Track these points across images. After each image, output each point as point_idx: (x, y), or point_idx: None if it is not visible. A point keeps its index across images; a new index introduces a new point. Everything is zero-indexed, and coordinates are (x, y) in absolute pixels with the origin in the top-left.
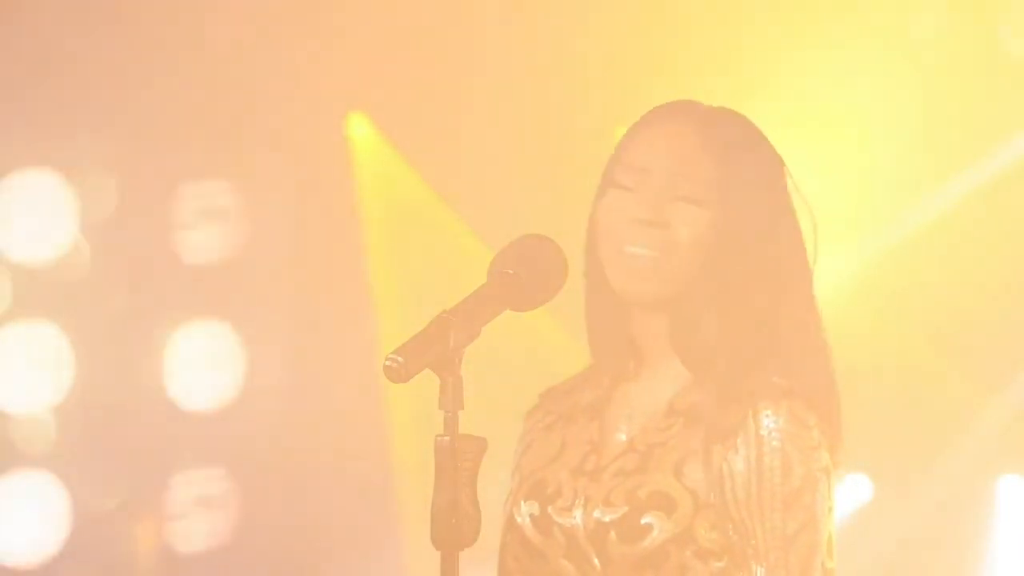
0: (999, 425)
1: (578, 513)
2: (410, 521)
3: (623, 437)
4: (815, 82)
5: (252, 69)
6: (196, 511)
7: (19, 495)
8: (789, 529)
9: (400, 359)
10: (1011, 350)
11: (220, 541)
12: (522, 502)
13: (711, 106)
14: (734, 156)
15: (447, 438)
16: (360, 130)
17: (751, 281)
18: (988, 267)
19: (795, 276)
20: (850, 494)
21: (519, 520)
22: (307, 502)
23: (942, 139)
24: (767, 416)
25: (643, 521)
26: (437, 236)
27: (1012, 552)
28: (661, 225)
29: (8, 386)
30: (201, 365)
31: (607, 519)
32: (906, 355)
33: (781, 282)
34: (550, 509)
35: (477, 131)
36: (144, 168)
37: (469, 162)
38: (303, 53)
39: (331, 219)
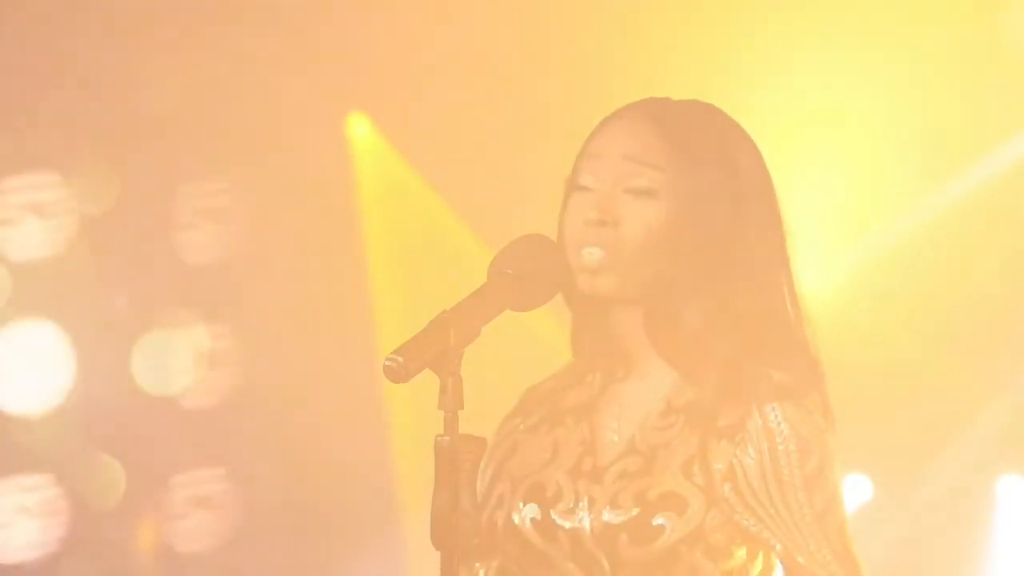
0: (999, 425)
1: (583, 515)
2: (410, 521)
3: (615, 437)
4: (815, 81)
5: (252, 69)
6: (196, 511)
7: (19, 493)
8: (817, 506)
9: (400, 359)
10: (1011, 350)
11: (220, 541)
12: (521, 506)
13: (678, 100)
14: (689, 142)
15: (447, 438)
16: (360, 130)
17: (725, 271)
18: (988, 267)
19: (771, 263)
20: (850, 494)
21: (519, 524)
22: (307, 502)
23: (943, 138)
24: (773, 410)
25: (655, 522)
26: (437, 236)
27: (1012, 552)
28: (612, 223)
29: (8, 386)
30: (201, 365)
31: (617, 521)
32: (906, 355)
33: (757, 270)
34: (552, 512)
35: (477, 131)
36: (144, 168)
37: (469, 162)
38: (303, 53)
39: (331, 219)
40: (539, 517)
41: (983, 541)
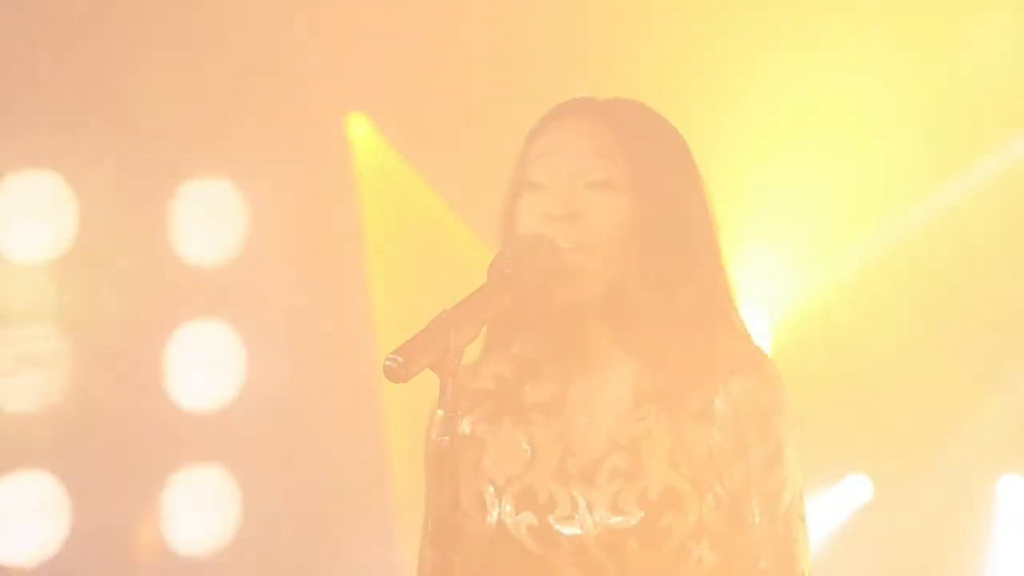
0: (999, 425)
1: (585, 520)
2: (410, 521)
3: (587, 434)
4: (816, 81)
5: (252, 69)
6: (196, 511)
7: (19, 495)
8: (771, 486)
9: (400, 359)
10: (1011, 350)
11: (220, 541)
12: (513, 512)
13: (607, 98)
14: (638, 136)
15: (447, 438)
16: (360, 130)
17: (675, 262)
18: (989, 267)
19: (712, 253)
20: (850, 494)
21: (514, 532)
22: (307, 502)
23: (944, 138)
24: (738, 384)
25: (662, 524)
26: (437, 236)
27: (1012, 552)
28: (577, 216)
29: (8, 386)
30: (201, 365)
31: (624, 526)
32: (906, 355)
33: (702, 260)
34: (551, 519)
35: (477, 131)
36: (144, 168)
37: (469, 162)
38: (303, 53)
39: (331, 219)
40: (536, 524)
41: (983, 541)
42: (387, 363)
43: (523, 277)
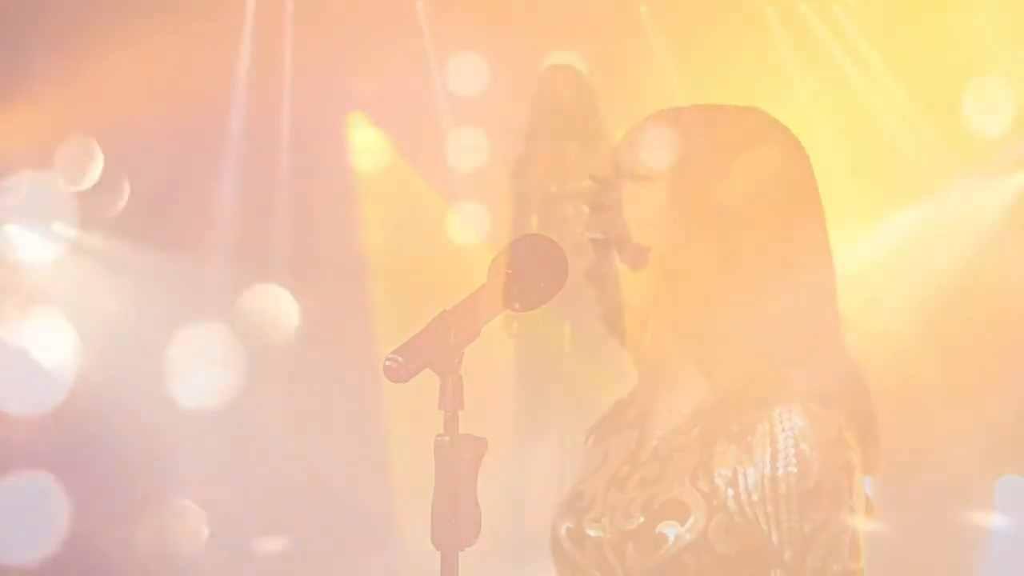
0: (999, 425)
1: (606, 524)
2: (410, 521)
3: (656, 444)
4: (816, 82)
5: (252, 69)
6: (195, 511)
7: (19, 495)
8: (805, 529)
9: (400, 359)
10: (1011, 350)
11: (220, 541)
12: (562, 515)
13: (731, 105)
14: (698, 128)
15: (447, 438)
16: (360, 130)
17: (740, 259)
18: (988, 267)
19: (799, 255)
20: None
21: (557, 532)
22: (307, 502)
23: (944, 138)
24: (781, 415)
25: (658, 531)
26: (437, 236)
27: (1012, 552)
28: (609, 207)
29: (8, 386)
30: (201, 365)
31: (627, 530)
32: (906, 355)
33: (782, 262)
34: (583, 522)
35: (476, 131)
36: (145, 168)
37: (469, 163)
38: (303, 53)
39: (331, 218)
40: (573, 526)
41: (983, 541)
42: (387, 363)
43: (523, 277)
